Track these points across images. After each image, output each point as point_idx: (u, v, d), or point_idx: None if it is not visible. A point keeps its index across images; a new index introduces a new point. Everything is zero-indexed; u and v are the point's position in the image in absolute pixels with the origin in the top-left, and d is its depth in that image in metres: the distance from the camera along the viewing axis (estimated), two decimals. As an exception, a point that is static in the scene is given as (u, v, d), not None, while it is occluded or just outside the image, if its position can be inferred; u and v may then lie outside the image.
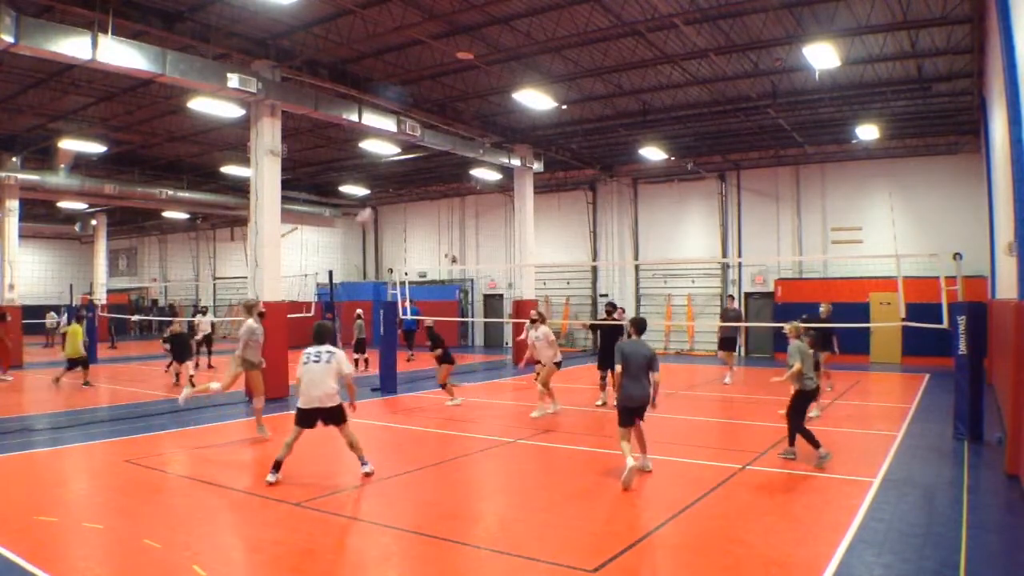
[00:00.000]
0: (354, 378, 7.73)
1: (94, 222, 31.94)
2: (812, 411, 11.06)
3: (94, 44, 10.73)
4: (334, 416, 7.45)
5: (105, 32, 10.82)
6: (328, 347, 7.49)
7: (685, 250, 23.74)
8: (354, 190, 27.80)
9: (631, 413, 7.51)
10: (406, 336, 20.92)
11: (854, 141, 19.75)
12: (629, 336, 8.01)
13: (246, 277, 14.82)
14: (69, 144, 18.55)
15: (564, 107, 17.17)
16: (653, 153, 20.66)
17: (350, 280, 30.47)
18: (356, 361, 18.31)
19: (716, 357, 19.43)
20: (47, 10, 11.13)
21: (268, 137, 13.77)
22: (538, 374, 14.87)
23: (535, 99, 15.39)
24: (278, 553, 5.42)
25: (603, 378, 12.56)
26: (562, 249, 26.28)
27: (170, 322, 17.68)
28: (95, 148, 18.92)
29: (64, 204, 27.38)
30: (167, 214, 30.02)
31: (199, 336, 18.80)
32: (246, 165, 14.97)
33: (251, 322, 9.74)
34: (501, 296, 27.66)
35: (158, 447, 9.35)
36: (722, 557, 5.23)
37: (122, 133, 19.67)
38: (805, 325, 11.26)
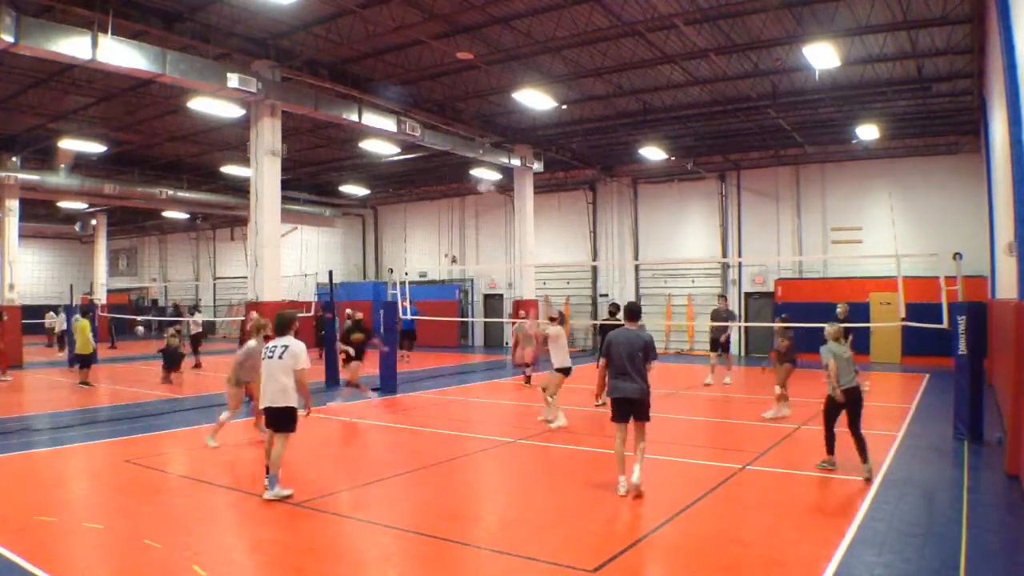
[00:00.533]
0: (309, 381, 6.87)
1: (94, 222, 31.94)
2: (774, 411, 10.90)
3: (94, 44, 10.74)
4: (276, 419, 6.70)
5: (105, 32, 10.83)
6: (286, 340, 6.83)
7: (685, 250, 23.74)
8: (354, 190, 27.80)
9: (622, 407, 6.82)
10: (402, 336, 20.91)
11: (854, 141, 19.75)
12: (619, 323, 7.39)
13: (246, 277, 14.82)
14: (69, 144, 18.55)
15: (564, 107, 17.18)
16: (653, 153, 20.66)
17: (350, 280, 30.46)
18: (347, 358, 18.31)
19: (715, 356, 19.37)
20: (47, 10, 11.13)
21: (268, 137, 13.78)
22: (527, 379, 14.94)
23: (535, 99, 15.39)
24: (278, 553, 5.42)
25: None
26: (562, 249, 26.27)
27: (175, 321, 17.99)
28: (95, 148, 18.93)
29: (64, 204, 27.38)
30: (167, 214, 30.03)
31: (176, 340, 18.69)
32: (246, 165, 14.98)
33: (252, 343, 9.24)
34: (501, 296, 27.66)
35: (158, 447, 9.35)
36: (722, 557, 5.23)
37: (122, 133, 19.67)
38: (784, 325, 11.36)
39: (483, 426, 10.80)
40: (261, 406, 6.86)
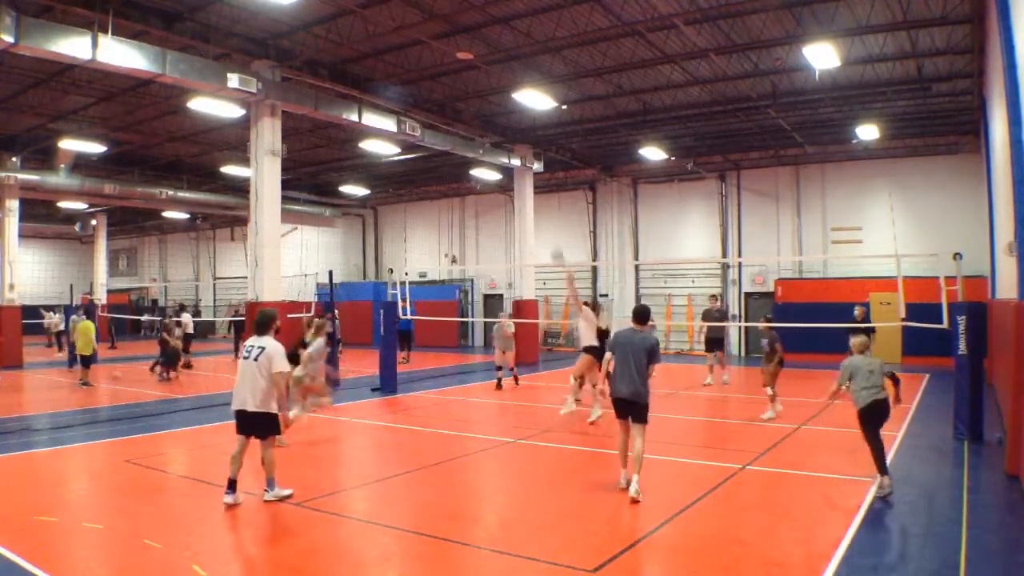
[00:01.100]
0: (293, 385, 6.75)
1: (94, 222, 31.94)
2: (771, 412, 10.83)
3: (94, 44, 10.73)
4: (257, 425, 6.42)
5: (105, 32, 10.83)
6: (263, 341, 6.51)
7: (685, 250, 23.73)
8: (354, 190, 27.80)
9: (622, 407, 6.88)
10: (400, 337, 20.91)
11: (854, 141, 19.75)
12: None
13: (246, 277, 14.83)
14: (69, 144, 18.55)
15: (564, 107, 17.17)
16: (653, 153, 20.66)
17: (350, 280, 30.46)
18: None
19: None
20: (47, 10, 11.12)
21: (268, 137, 13.77)
22: (515, 379, 14.98)
23: (535, 99, 15.39)
24: (278, 553, 5.42)
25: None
26: (562, 249, 26.22)
27: (177, 322, 18.30)
28: (95, 148, 18.93)
29: (64, 204, 27.37)
30: (167, 214, 30.02)
31: (179, 342, 18.75)
32: (246, 165, 14.98)
33: (320, 342, 10.05)
34: (501, 296, 27.66)
35: (158, 447, 9.35)
36: (722, 557, 5.23)
37: (122, 133, 19.67)
38: (768, 325, 11.37)
39: (483, 426, 10.80)
40: (233, 408, 6.47)
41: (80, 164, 21.89)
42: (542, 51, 14.04)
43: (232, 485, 6.44)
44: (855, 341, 7.42)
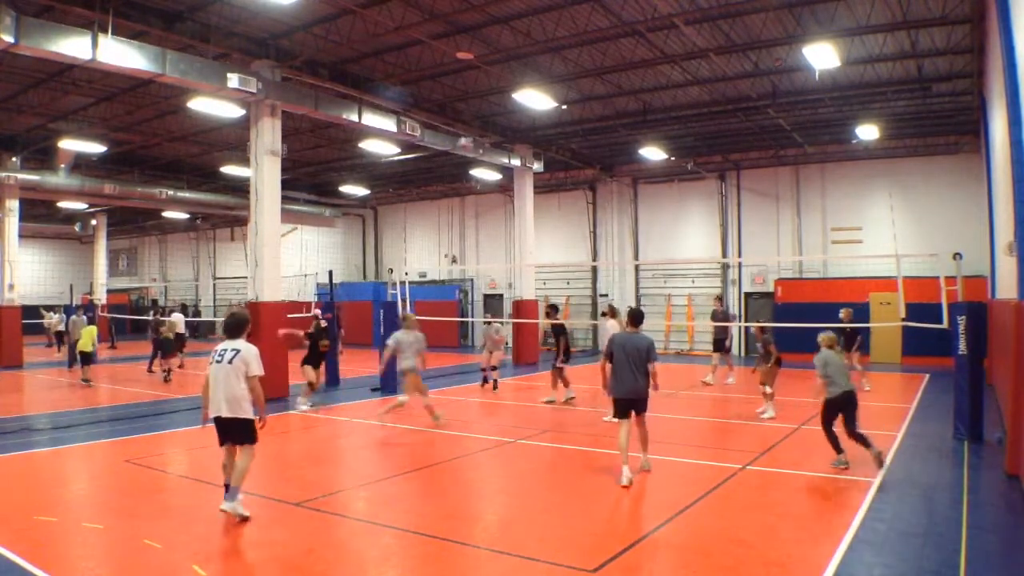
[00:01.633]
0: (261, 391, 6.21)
1: (94, 222, 31.94)
2: (771, 411, 11.00)
3: (94, 44, 10.72)
4: (236, 431, 6.10)
5: (105, 32, 10.82)
6: (237, 344, 6.18)
7: (685, 250, 23.73)
8: (354, 190, 27.80)
9: (625, 406, 7.47)
10: None
11: (854, 141, 19.75)
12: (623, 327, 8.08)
13: (246, 277, 14.83)
14: (69, 144, 18.54)
15: (564, 107, 17.17)
16: (653, 153, 20.66)
17: (350, 280, 30.46)
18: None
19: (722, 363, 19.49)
20: (47, 10, 11.12)
21: (268, 137, 13.76)
22: (495, 383, 15.02)
23: (535, 99, 15.38)
24: (278, 553, 5.42)
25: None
26: (562, 249, 26.27)
27: (161, 322, 18.40)
28: (95, 148, 18.92)
29: (64, 204, 27.37)
30: (167, 214, 30.02)
31: (171, 334, 18.72)
32: (246, 165, 14.97)
33: (399, 333, 10.53)
34: (501, 296, 27.66)
35: (158, 447, 9.35)
36: (722, 557, 5.23)
37: (122, 133, 19.66)
38: (759, 325, 11.61)
39: (483, 426, 10.80)
40: (210, 415, 6.13)
41: (80, 164, 21.89)
42: (542, 51, 14.04)
43: (229, 488, 6.15)
44: (823, 337, 8.02)
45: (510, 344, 20.77)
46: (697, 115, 18.13)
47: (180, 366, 18.65)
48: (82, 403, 13.38)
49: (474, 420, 11.03)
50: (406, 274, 16.42)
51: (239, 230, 33.99)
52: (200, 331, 34.40)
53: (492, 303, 28.14)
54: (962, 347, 9.30)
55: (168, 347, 17.09)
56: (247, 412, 6.10)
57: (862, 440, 7.50)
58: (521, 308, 21.03)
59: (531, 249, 21.85)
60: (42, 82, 15.48)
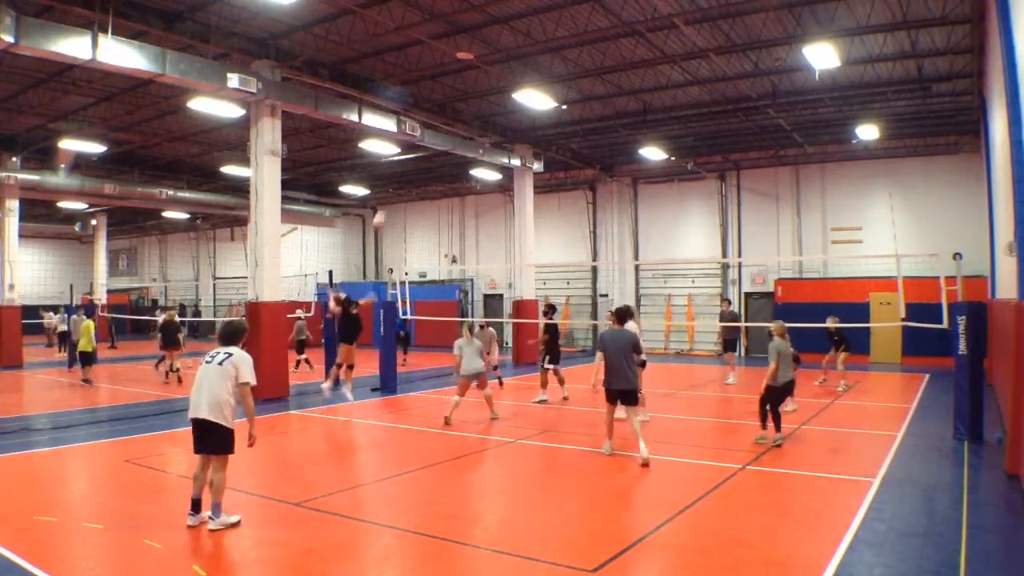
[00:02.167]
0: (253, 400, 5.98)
1: (94, 222, 31.94)
2: (788, 405, 11.20)
3: (94, 44, 10.72)
4: (212, 439, 5.81)
5: (105, 32, 10.82)
6: (231, 349, 6.00)
7: (685, 250, 23.74)
8: (354, 190, 27.79)
9: (614, 395, 8.33)
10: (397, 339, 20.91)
11: (854, 141, 19.75)
12: (611, 325, 8.79)
13: (246, 277, 14.83)
14: (69, 144, 18.54)
15: (564, 107, 17.17)
16: (653, 153, 20.66)
17: (350, 280, 30.46)
18: (298, 362, 18.33)
19: (717, 357, 19.55)
20: (47, 10, 11.12)
21: (268, 137, 13.76)
22: (499, 380, 15.17)
23: (535, 99, 15.39)
24: (278, 553, 5.42)
25: None
26: (562, 249, 26.27)
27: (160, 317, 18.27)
28: (95, 148, 18.92)
29: (64, 204, 27.37)
30: (167, 214, 30.02)
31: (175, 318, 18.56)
32: (246, 165, 14.97)
33: (460, 340, 10.94)
34: (501, 296, 27.67)
35: (158, 447, 9.35)
36: (722, 557, 5.23)
37: (122, 133, 19.66)
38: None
39: (483, 426, 10.80)
40: (190, 416, 5.91)
41: (80, 164, 21.89)
42: (542, 51, 14.04)
43: (195, 506, 5.93)
44: (775, 325, 9.15)
45: (510, 344, 20.77)
46: (697, 115, 18.13)
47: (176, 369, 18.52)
48: (82, 403, 13.38)
49: (474, 420, 11.03)
50: (406, 274, 16.41)
51: (239, 230, 34.00)
52: (200, 331, 34.42)
53: (492, 303, 28.16)
54: (962, 347, 9.30)
55: (172, 332, 16.25)
56: (227, 420, 5.82)
57: (778, 420, 8.83)
58: (521, 308, 21.03)
59: (531, 249, 21.86)
60: (42, 82, 15.48)
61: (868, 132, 17.82)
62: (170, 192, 24.30)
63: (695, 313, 23.47)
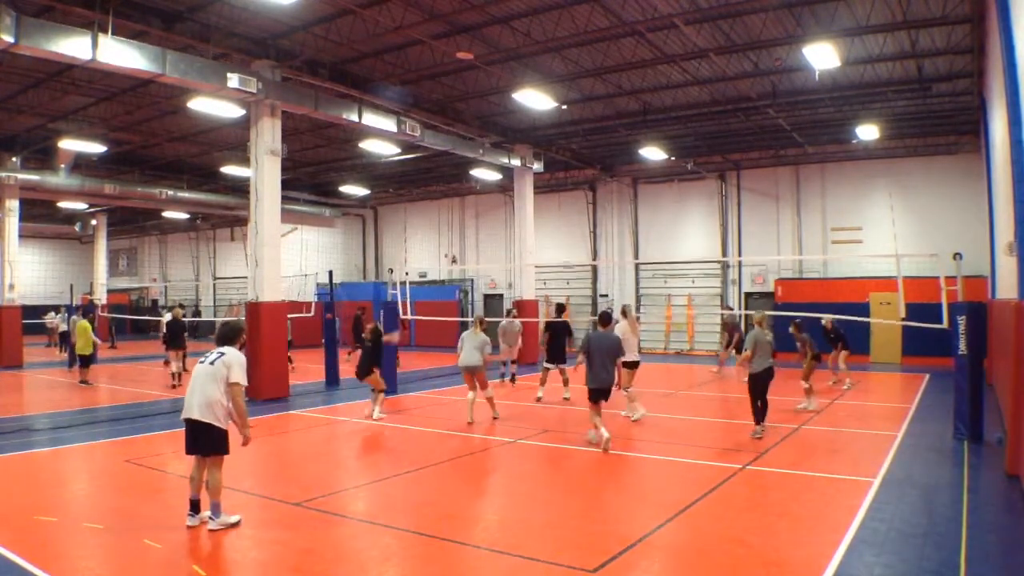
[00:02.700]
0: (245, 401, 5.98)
1: (94, 222, 31.93)
2: (801, 403, 11.50)
3: (94, 44, 10.72)
4: (204, 440, 5.83)
5: (105, 32, 10.82)
6: (225, 349, 6.00)
7: (685, 250, 23.73)
8: (354, 190, 27.79)
9: (596, 395, 8.93)
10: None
11: (854, 141, 19.74)
12: (596, 328, 9.46)
13: (246, 277, 14.83)
14: (69, 144, 18.54)
15: (564, 107, 17.16)
16: (653, 153, 20.65)
17: (350, 280, 30.47)
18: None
19: (717, 357, 19.62)
20: (47, 10, 11.12)
21: (268, 137, 13.76)
22: (512, 377, 15.33)
23: (535, 99, 15.38)
24: (278, 553, 5.42)
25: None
26: (562, 249, 26.27)
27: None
28: (95, 148, 18.91)
29: (64, 204, 27.38)
30: (167, 214, 30.02)
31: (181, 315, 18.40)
32: (246, 165, 14.97)
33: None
34: (501, 296, 27.66)
35: (158, 447, 9.35)
36: (722, 557, 5.23)
37: (122, 133, 19.67)
38: (796, 325, 12.62)
39: (483, 426, 10.80)
40: (182, 416, 5.98)
41: (80, 164, 21.89)
42: (542, 51, 14.03)
43: (194, 507, 5.95)
44: (756, 316, 9.72)
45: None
46: (697, 115, 18.13)
47: (167, 363, 18.41)
48: (82, 403, 13.38)
49: (475, 420, 11.02)
50: (406, 274, 16.40)
51: (239, 230, 34.00)
52: (200, 331, 34.40)
53: (492, 303, 28.14)
54: (962, 347, 9.30)
55: (176, 335, 15.84)
56: (219, 420, 5.81)
57: (763, 413, 9.36)
58: (521, 308, 21.02)
59: (531, 249, 21.85)
60: (42, 82, 15.47)
61: (868, 132, 17.81)
62: (170, 192, 24.31)
63: (695, 313, 23.47)
